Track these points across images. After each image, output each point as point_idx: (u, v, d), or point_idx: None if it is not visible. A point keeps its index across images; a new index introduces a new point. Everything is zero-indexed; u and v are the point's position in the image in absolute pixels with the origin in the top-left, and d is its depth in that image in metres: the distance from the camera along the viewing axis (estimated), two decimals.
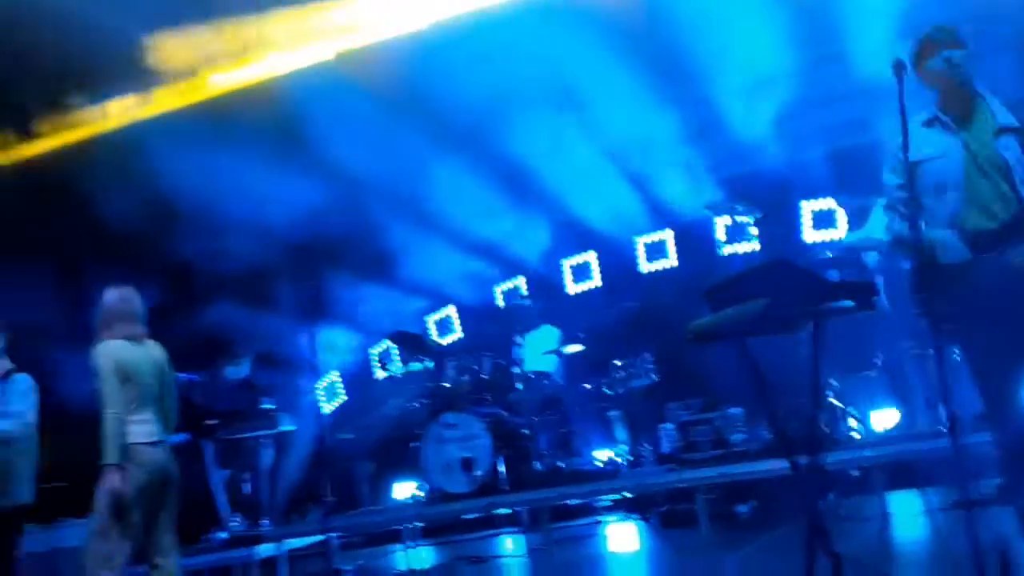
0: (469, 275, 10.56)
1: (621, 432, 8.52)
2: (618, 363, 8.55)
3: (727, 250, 9.25)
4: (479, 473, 7.91)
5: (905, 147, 3.79)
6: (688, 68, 8.34)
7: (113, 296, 5.30)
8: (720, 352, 4.58)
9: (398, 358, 10.55)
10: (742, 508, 7.19)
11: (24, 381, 5.59)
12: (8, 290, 6.91)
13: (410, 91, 8.82)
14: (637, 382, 8.42)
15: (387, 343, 10.77)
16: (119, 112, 9.71)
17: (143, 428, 5.15)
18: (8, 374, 5.57)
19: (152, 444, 5.16)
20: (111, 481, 4.94)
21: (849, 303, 3.79)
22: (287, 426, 8.88)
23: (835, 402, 7.34)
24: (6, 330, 5.70)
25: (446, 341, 10.66)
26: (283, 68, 9.34)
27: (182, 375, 8.23)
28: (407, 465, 9.26)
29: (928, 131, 4.10)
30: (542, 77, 8.68)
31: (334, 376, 11.22)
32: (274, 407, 8.82)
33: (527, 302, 9.49)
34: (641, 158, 9.14)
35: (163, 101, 9.58)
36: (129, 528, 5.01)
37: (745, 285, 3.96)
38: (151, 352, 5.36)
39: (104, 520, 4.97)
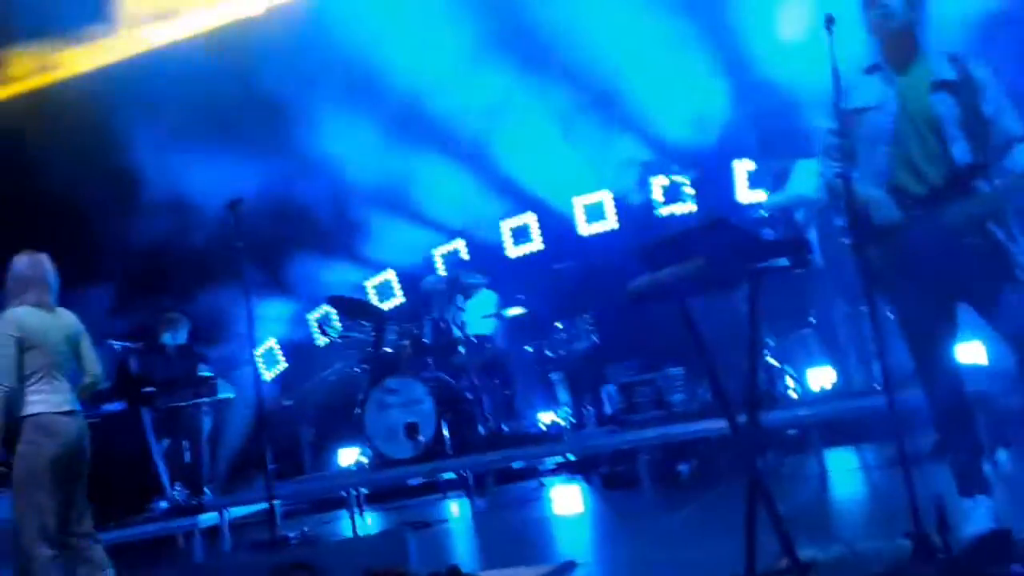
0: (408, 239, 10.48)
1: (563, 394, 8.57)
2: (559, 326, 8.57)
3: (664, 211, 9.30)
4: (423, 438, 7.90)
5: (836, 92, 3.75)
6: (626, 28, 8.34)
7: (23, 262, 5.15)
8: (659, 312, 4.61)
9: (338, 323, 10.46)
10: (683, 468, 7.30)
11: None
12: None
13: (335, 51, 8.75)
14: (578, 344, 8.46)
15: (326, 308, 10.67)
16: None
17: (55, 397, 5.00)
18: None
19: (65, 414, 5.02)
20: (24, 455, 4.85)
21: (785, 261, 3.81)
22: (226, 393, 8.77)
23: (772, 361, 7.45)
24: None
25: (387, 306, 10.58)
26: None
27: (118, 343, 8.15)
28: (350, 431, 9.23)
29: (869, 79, 3.96)
30: (486, 32, 8.66)
31: (272, 343, 11.11)
32: (212, 374, 8.72)
33: (467, 266, 9.49)
34: (579, 119, 9.13)
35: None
36: (50, 498, 4.90)
37: (683, 245, 3.96)
38: (62, 319, 5.20)
39: (22, 493, 4.87)
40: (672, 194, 8.62)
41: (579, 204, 9.83)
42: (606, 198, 9.75)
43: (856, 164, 3.91)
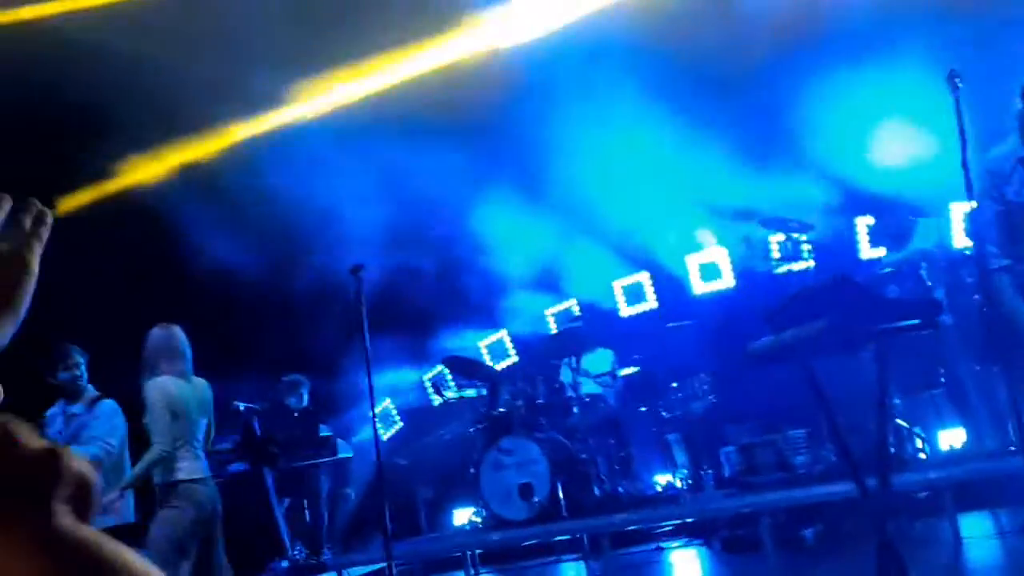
0: (520, 299, 10.54)
1: (680, 456, 8.43)
2: (674, 385, 8.47)
3: (782, 269, 9.12)
4: (537, 499, 7.87)
5: (963, 149, 3.63)
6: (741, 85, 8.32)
7: (160, 334, 5.37)
8: (779, 372, 4.50)
9: (452, 383, 10.55)
10: (808, 532, 7.05)
11: (109, 406, 5.67)
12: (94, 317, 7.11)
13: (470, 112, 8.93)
14: (695, 404, 8.33)
15: (441, 368, 10.79)
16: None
17: (195, 464, 5.22)
18: (95, 401, 5.67)
19: (202, 481, 5.23)
20: (166, 520, 5.02)
21: (914, 321, 3.70)
22: (345, 453, 8.92)
23: (900, 422, 7.19)
24: (86, 365, 5.78)
25: (500, 366, 10.63)
26: None
27: (242, 404, 8.37)
28: (465, 491, 9.27)
29: None
30: (586, 101, 8.74)
31: (388, 403, 11.26)
32: (332, 435, 8.88)
33: (579, 324, 9.46)
34: (691, 177, 9.08)
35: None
36: (181, 559, 5.06)
37: (806, 304, 3.89)
38: (198, 389, 5.43)
39: (162, 556, 5.03)
40: (790, 251, 8.45)
41: (693, 263, 9.75)
42: (721, 256, 9.64)
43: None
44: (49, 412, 5.78)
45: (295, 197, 9.33)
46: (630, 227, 9.62)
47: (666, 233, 9.54)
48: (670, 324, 9.20)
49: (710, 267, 9.67)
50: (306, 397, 9.07)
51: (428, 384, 11.16)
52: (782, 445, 7.57)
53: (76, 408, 5.68)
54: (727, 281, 9.60)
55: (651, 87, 8.37)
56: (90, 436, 5.52)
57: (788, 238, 8.38)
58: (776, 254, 8.67)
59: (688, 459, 8.35)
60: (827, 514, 7.02)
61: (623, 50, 8.51)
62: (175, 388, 5.25)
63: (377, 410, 10.85)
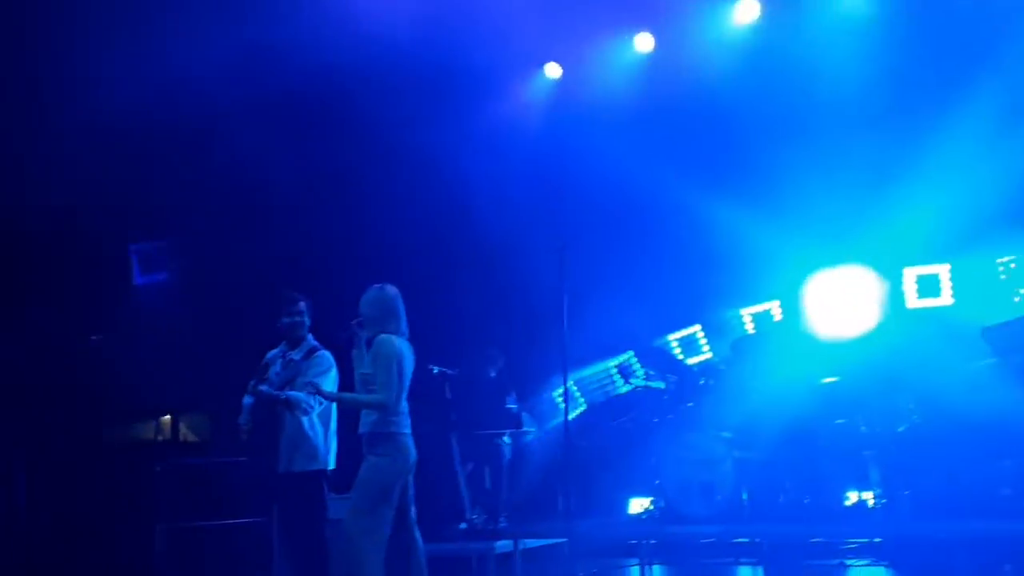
0: (718, 294, 10.36)
1: (875, 472, 8.05)
2: (876, 400, 8.09)
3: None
4: (719, 498, 7.73)
5: None
6: None
7: (390, 294, 5.61)
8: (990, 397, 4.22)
9: (640, 372, 10.48)
10: (1008, 568, 6.63)
11: (326, 358, 5.89)
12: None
13: None
14: (897, 421, 7.93)
15: (630, 356, 10.74)
16: None
17: (407, 420, 5.47)
18: (312, 352, 5.98)
19: (410, 435, 5.45)
20: (379, 468, 5.24)
21: None
22: (529, 427, 9.04)
23: None
24: (308, 314, 6.09)
25: (692, 360, 10.47)
26: None
27: (436, 368, 8.61)
28: (643, 481, 9.22)
29: None
30: None
31: (573, 384, 11.30)
32: (517, 407, 9.02)
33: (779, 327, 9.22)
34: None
35: None
36: (390, 508, 5.29)
37: None
38: (411, 351, 5.64)
39: (371, 498, 5.26)
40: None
41: (911, 276, 9.28)
42: (943, 271, 9.13)
43: None
44: (270, 353, 6.12)
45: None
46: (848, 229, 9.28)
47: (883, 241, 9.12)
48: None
49: (929, 280, 9.18)
50: (497, 369, 9.22)
51: (615, 371, 11.12)
52: (988, 473, 7.11)
53: (295, 355, 5.98)
54: (945, 298, 9.08)
55: None
56: (303, 383, 5.80)
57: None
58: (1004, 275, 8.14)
59: (884, 477, 7.96)
60: None
61: None
62: (402, 347, 5.50)
63: (562, 391, 11.06)
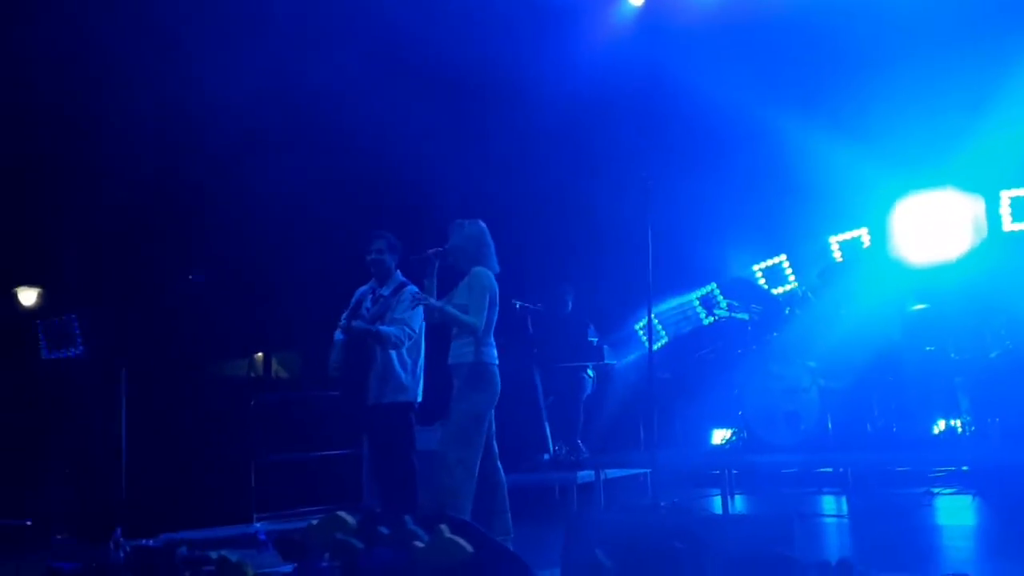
0: (804, 223, 10.17)
1: (965, 400, 7.90)
2: (967, 326, 7.90)
3: None
4: (803, 427, 7.69)
5: None
6: None
7: (481, 227, 5.70)
8: None
9: (724, 303, 10.40)
10: None
11: (413, 292, 5.94)
12: None
13: None
14: (988, 349, 7.74)
15: (712, 287, 10.66)
16: None
17: (494, 351, 5.54)
18: (400, 287, 6.10)
19: (498, 366, 5.54)
20: (472, 399, 5.36)
21: None
22: (610, 360, 9.08)
23: None
24: (398, 251, 6.20)
25: (777, 291, 10.34)
26: None
27: (518, 303, 8.68)
28: (726, 411, 9.21)
29: None
30: None
31: (655, 317, 11.27)
32: (597, 339, 9.05)
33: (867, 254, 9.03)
34: None
35: None
36: (482, 437, 5.42)
37: None
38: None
39: (464, 428, 5.39)
40: None
41: (1006, 197, 8.96)
42: None
43: None
44: (360, 290, 6.26)
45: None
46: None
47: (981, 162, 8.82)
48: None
49: None
50: (571, 303, 9.25)
51: (698, 303, 11.07)
52: None
53: (384, 290, 6.10)
54: None
55: None
56: (392, 318, 5.92)
57: None
58: None
59: (973, 405, 7.81)
60: None
61: None
62: (493, 280, 5.62)
63: (643, 323, 11.05)
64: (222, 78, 9.12)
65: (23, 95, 9.54)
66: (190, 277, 8.65)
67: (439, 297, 5.75)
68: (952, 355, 7.94)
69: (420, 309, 5.83)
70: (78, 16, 9.00)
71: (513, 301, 8.62)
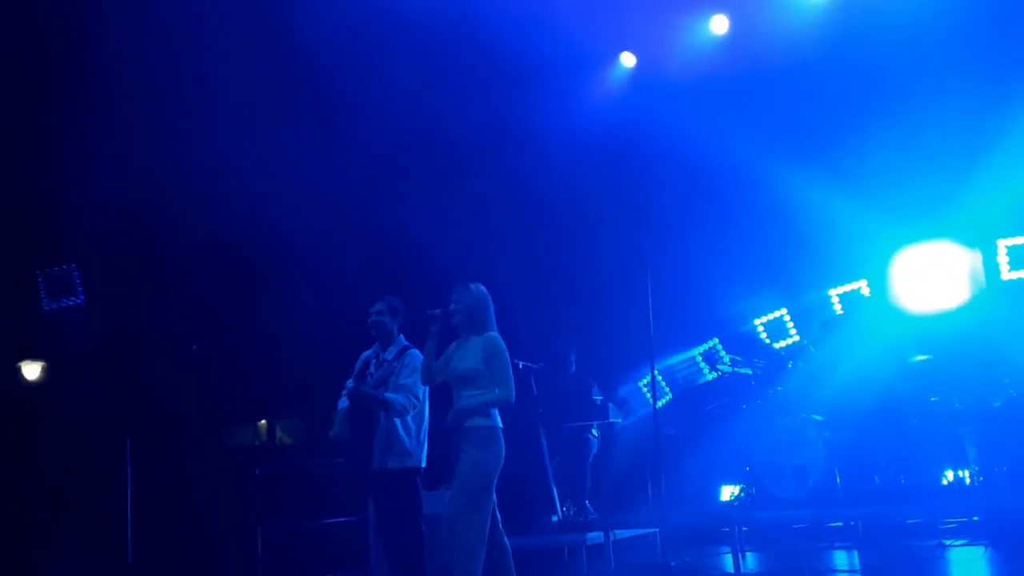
0: (805, 276, 10.22)
1: (972, 450, 7.88)
2: (970, 376, 7.91)
3: None
4: (812, 481, 7.66)
5: None
6: None
7: (484, 290, 5.71)
8: None
9: (727, 358, 10.41)
10: None
11: (417, 357, 5.96)
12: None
13: None
14: (992, 397, 7.74)
15: (715, 342, 10.68)
16: None
17: (499, 416, 5.53)
18: (403, 351, 6.11)
19: (503, 429, 5.54)
20: (482, 462, 5.35)
21: None
22: (615, 418, 9.07)
23: None
24: (401, 314, 6.22)
25: (779, 345, 10.37)
26: None
27: (521, 363, 8.70)
28: (733, 467, 9.17)
29: None
30: None
31: (659, 374, 11.28)
32: (602, 398, 9.05)
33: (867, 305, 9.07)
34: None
35: None
36: (490, 502, 5.39)
37: None
38: None
39: (474, 493, 5.35)
40: None
41: (1003, 247, 9.02)
42: None
43: None
44: (364, 354, 6.26)
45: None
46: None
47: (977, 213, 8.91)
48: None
49: (1021, 251, 8.92)
50: (574, 362, 9.26)
51: (700, 358, 11.07)
52: None
53: (387, 355, 6.11)
54: None
55: None
56: (397, 384, 5.92)
57: None
58: None
59: (980, 454, 7.79)
60: None
61: None
62: None
63: (647, 380, 11.04)
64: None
65: None
66: (193, 347, 8.67)
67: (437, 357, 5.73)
68: (956, 405, 7.94)
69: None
70: None
71: (516, 362, 8.63)
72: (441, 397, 5.84)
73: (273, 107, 9.53)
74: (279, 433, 13.34)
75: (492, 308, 5.71)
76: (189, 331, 9.90)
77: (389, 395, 5.86)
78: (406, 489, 5.98)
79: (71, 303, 10.76)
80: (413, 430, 6.01)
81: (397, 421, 5.94)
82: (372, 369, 6.09)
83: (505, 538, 5.64)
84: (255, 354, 10.92)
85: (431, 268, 9.63)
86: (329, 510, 8.19)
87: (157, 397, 10.17)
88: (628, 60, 10.71)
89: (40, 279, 10.89)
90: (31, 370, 11.40)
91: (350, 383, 6.09)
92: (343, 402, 6.13)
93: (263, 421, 13.36)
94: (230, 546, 7.83)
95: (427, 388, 5.99)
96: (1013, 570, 6.59)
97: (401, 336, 6.16)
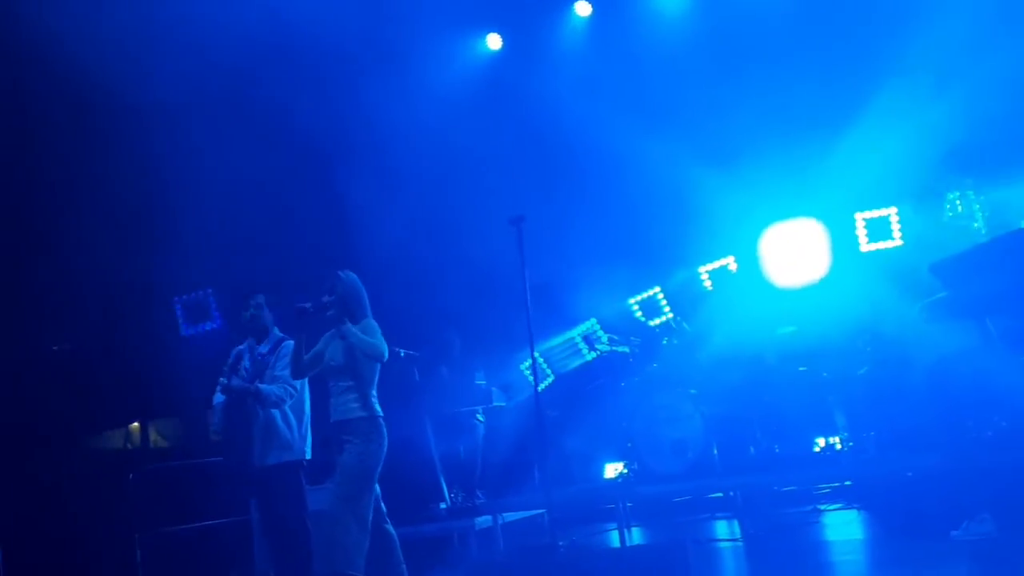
0: (677, 254, 10.45)
1: (840, 417, 8.22)
2: (835, 345, 8.25)
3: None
4: (691, 455, 7.86)
5: None
6: None
7: (357, 279, 5.62)
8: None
9: (604, 338, 10.58)
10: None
11: (291, 347, 5.84)
12: None
13: None
14: (856, 365, 8.10)
15: (593, 323, 10.82)
16: None
17: (378, 403, 5.46)
18: (278, 343, 5.97)
19: (384, 418, 5.48)
20: (365, 453, 5.27)
21: None
22: (499, 402, 9.10)
23: None
24: (268, 307, 6.07)
25: (654, 322, 10.58)
26: None
27: (402, 351, 8.62)
28: (616, 444, 9.33)
29: None
30: None
31: (540, 356, 11.37)
32: (486, 383, 9.07)
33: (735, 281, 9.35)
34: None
35: None
36: (372, 493, 5.33)
37: (983, 258, 3.74)
38: None
39: (356, 484, 5.28)
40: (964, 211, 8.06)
41: (861, 220, 9.42)
42: (892, 214, 9.29)
43: None
44: (237, 348, 6.11)
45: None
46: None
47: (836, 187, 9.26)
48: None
49: (879, 223, 9.33)
50: (457, 348, 9.25)
51: (579, 339, 11.20)
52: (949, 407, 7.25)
53: (262, 348, 5.98)
54: (896, 240, 9.26)
55: None
56: (272, 376, 5.81)
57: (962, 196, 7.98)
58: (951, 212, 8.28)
59: (849, 421, 8.14)
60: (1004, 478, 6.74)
61: None
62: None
63: (528, 363, 11.11)
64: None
65: None
66: (54, 348, 8.29)
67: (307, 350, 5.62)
68: (824, 374, 8.27)
69: None
70: None
71: (397, 350, 8.57)
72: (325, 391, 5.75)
73: None
74: (153, 434, 12.90)
75: (366, 296, 5.64)
76: (52, 333, 9.48)
77: (263, 386, 5.74)
78: (289, 484, 5.87)
79: None
80: (293, 423, 5.90)
81: (276, 414, 5.82)
82: (246, 363, 5.95)
83: (391, 527, 5.60)
84: (123, 355, 10.52)
85: (302, 257, 9.46)
86: (211, 512, 7.96)
87: (18, 404, 9.67)
88: (495, 42, 10.73)
89: None
90: None
91: (223, 379, 5.93)
92: (218, 398, 5.97)
93: (135, 423, 12.90)
94: (108, 556, 7.53)
95: (306, 379, 5.88)
96: (885, 530, 6.91)
97: (276, 328, 6.04)
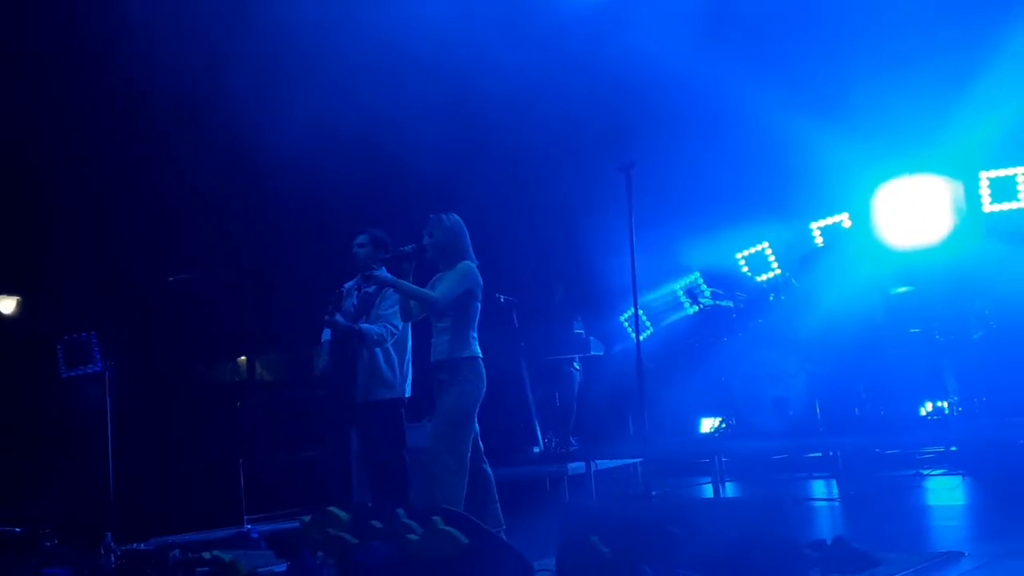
0: (786, 210, 10.18)
1: (951, 382, 7.95)
2: (950, 308, 7.96)
3: None
4: (791, 412, 7.72)
5: None
6: None
7: (458, 220, 5.63)
8: None
9: (708, 292, 10.42)
10: None
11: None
12: None
13: None
14: (972, 329, 7.80)
15: (696, 276, 10.68)
16: None
17: (478, 346, 5.49)
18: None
19: (483, 359, 5.51)
20: (463, 392, 5.33)
21: None
22: (597, 351, 9.08)
23: None
24: (385, 247, 6.13)
25: (761, 278, 10.37)
26: None
27: (503, 297, 8.67)
28: (714, 399, 9.23)
29: None
30: None
31: (641, 308, 11.26)
32: (583, 331, 9.05)
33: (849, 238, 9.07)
34: None
35: None
36: (472, 432, 5.39)
37: None
38: None
39: (455, 423, 5.35)
40: None
41: (985, 178, 8.99)
42: (1020, 173, 8.83)
43: None
44: (347, 285, 6.20)
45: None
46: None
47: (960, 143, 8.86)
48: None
49: (1006, 182, 8.89)
50: (558, 296, 9.24)
51: (682, 292, 11.07)
52: None
53: (368, 287, 6.05)
54: (1022, 202, 8.82)
55: None
56: (377, 315, 5.89)
57: None
58: None
59: (960, 385, 7.86)
60: None
61: None
62: (478, 274, 5.54)
63: (629, 315, 11.05)
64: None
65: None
66: (170, 279, 8.57)
67: None
68: (937, 337, 7.98)
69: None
70: None
71: (497, 295, 8.61)
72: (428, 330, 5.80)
73: None
74: (259, 368, 13.34)
75: (467, 239, 5.62)
76: (167, 266, 9.80)
77: (364, 326, 5.82)
78: (390, 420, 5.96)
79: None
80: (395, 361, 5.98)
81: (379, 352, 5.90)
82: (354, 300, 6.04)
83: (488, 466, 5.65)
84: (235, 290, 10.83)
85: (414, 198, 9.52)
86: (312, 443, 8.19)
87: (137, 334, 10.08)
88: None
89: None
90: (6, 304, 11.28)
91: (327, 316, 6.04)
92: (326, 334, 6.08)
93: (243, 357, 13.35)
94: (213, 480, 7.83)
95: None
96: (989, 498, 6.68)
97: (383, 269, 6.10)
